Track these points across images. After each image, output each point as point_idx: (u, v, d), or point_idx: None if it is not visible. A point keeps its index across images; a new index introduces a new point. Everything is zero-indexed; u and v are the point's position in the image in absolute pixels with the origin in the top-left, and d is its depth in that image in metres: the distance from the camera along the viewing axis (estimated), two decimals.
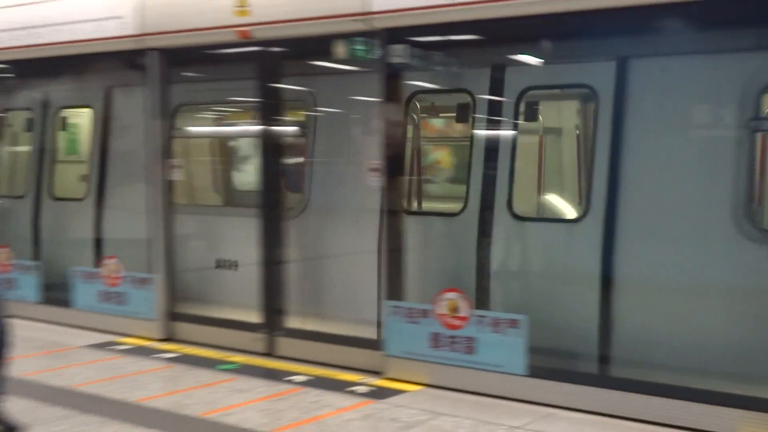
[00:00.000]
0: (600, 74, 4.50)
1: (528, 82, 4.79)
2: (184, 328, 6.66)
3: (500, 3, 4.43)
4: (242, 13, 5.71)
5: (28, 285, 7.31)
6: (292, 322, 6.13)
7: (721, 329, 4.28)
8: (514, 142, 4.82)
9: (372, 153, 5.56)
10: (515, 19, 4.42)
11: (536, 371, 4.70)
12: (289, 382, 5.41)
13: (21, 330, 5.88)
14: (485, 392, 4.91)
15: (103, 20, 6.50)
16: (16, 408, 4.37)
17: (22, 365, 5.62)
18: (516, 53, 5.04)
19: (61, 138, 7.44)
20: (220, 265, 6.45)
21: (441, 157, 7.08)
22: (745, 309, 4.21)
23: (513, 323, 4.75)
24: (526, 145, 5.35)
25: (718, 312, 4.32)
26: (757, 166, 4.62)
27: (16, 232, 7.39)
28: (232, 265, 6.42)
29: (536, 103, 4.96)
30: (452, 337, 5.00)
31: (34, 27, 7.09)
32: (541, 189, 5.65)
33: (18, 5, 7.30)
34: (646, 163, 4.43)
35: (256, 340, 6.09)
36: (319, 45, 5.56)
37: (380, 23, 4.98)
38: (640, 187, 4.41)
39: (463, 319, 4.93)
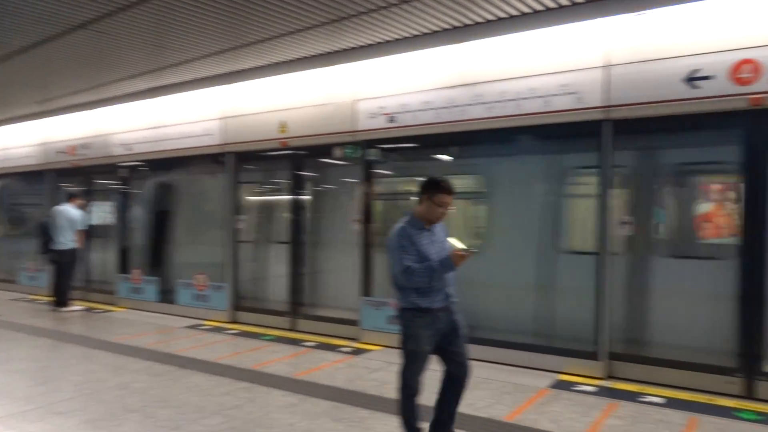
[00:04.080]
0: None
1: None
2: (243, 315, 8.08)
3: None
4: (283, 131, 7.35)
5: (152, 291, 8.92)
6: (310, 310, 7.40)
7: None
8: None
9: None
10: None
11: None
12: (304, 346, 6.47)
13: (146, 318, 7.95)
14: None
15: (201, 136, 8.37)
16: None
17: (144, 339, 6.75)
18: None
19: None
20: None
21: None
22: None
23: None
24: None
25: None
26: None
27: None
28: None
29: None
30: None
31: (158, 141, 8.89)
32: None
33: (151, 128, 8.95)
34: None
35: (286, 321, 7.51)
36: (326, 149, 6.94)
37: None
38: None
39: None
